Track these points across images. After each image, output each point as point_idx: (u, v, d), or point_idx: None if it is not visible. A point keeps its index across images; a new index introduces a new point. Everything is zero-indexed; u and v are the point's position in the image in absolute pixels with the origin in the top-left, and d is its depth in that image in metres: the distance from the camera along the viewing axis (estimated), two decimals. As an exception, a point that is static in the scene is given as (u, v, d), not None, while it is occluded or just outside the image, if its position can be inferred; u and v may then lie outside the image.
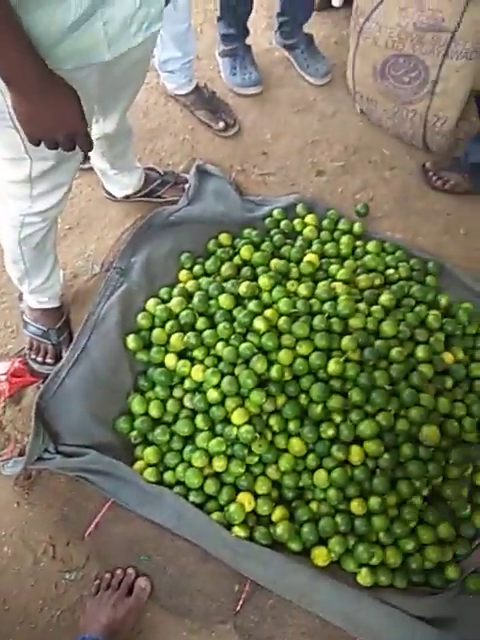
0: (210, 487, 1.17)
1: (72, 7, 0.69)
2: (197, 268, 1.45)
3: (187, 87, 1.74)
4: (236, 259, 1.47)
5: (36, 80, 0.70)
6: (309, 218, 1.60)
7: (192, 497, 1.17)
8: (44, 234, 1.12)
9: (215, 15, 1.87)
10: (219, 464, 1.17)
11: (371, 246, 1.56)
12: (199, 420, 1.21)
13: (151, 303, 1.36)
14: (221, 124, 1.76)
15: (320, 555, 1.13)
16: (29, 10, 0.67)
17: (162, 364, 1.29)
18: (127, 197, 1.56)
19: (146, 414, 1.25)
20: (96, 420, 1.22)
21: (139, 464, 1.22)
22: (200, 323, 1.32)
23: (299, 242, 1.54)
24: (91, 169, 1.52)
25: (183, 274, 1.45)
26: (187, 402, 1.25)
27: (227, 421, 1.20)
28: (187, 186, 1.59)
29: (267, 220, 1.59)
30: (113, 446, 1.23)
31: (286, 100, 1.90)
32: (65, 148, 0.78)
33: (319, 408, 1.19)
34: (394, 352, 1.26)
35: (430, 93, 1.63)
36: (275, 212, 1.60)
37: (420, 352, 1.30)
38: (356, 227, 1.60)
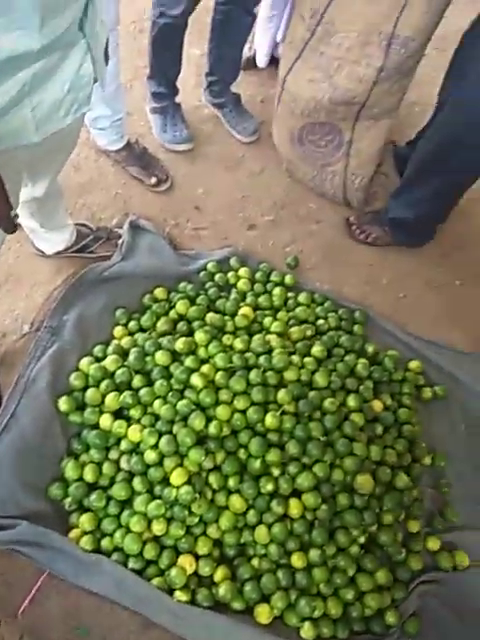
0: (150, 552, 1.14)
1: (0, 95, 0.69)
2: (132, 324, 1.45)
3: (118, 143, 1.77)
4: (172, 313, 1.49)
5: None
6: (242, 271, 1.65)
7: (131, 564, 1.14)
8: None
9: (145, 71, 1.93)
10: (158, 528, 1.15)
11: (302, 297, 1.63)
12: (137, 483, 1.18)
13: (85, 362, 1.34)
14: (153, 179, 1.79)
15: (263, 612, 1.12)
16: None
17: (97, 425, 1.26)
18: (58, 253, 1.54)
19: (80, 479, 1.21)
20: (27, 489, 1.17)
21: (74, 532, 1.17)
22: (136, 381, 1.30)
23: (234, 295, 1.58)
24: (18, 225, 1.49)
25: (118, 330, 1.44)
26: (124, 464, 1.22)
27: (166, 482, 1.19)
28: (120, 241, 1.60)
29: (202, 273, 1.62)
30: (46, 515, 1.18)
31: (216, 156, 1.97)
32: None
33: (258, 463, 1.20)
34: (327, 403, 1.31)
35: (346, 154, 1.76)
36: (209, 265, 1.63)
37: (351, 401, 1.36)
38: (287, 279, 1.67)
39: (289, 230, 1.85)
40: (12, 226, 0.81)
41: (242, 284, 1.61)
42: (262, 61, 2.12)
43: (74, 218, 1.60)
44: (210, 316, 1.46)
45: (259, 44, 2.04)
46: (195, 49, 2.13)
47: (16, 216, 1.23)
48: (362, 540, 1.23)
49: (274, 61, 2.02)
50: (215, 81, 1.98)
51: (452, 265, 1.89)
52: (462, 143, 1.48)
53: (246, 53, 2.12)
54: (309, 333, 1.51)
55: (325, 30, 1.50)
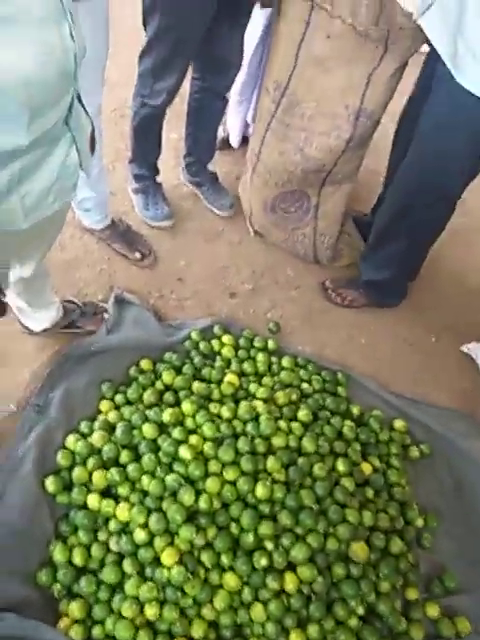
0: (143, 639, 1.09)
1: None
2: (119, 397, 1.45)
3: (103, 223, 1.84)
4: (158, 384, 1.50)
5: None
6: (226, 338, 1.69)
7: (124, 653, 1.09)
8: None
9: (126, 154, 2.04)
10: (151, 612, 1.11)
11: (285, 362, 1.66)
12: (127, 565, 1.15)
13: (71, 439, 1.33)
14: (137, 254, 1.86)
15: None
16: None
17: (84, 506, 1.24)
18: (45, 330, 1.56)
19: (69, 563, 1.17)
20: (14, 576, 1.13)
21: (64, 621, 1.12)
22: (124, 456, 1.30)
23: (218, 362, 1.61)
24: (6, 311, 1.51)
25: (104, 404, 1.44)
26: (113, 545, 1.19)
27: (157, 562, 1.16)
28: (106, 316, 1.63)
29: (186, 343, 1.65)
30: (34, 603, 1.13)
31: (196, 231, 2.06)
32: None
33: (251, 536, 1.19)
34: (317, 468, 1.31)
35: (314, 217, 1.87)
36: (193, 334, 1.67)
37: (340, 465, 1.36)
38: (270, 344, 1.71)
39: (269, 297, 1.92)
40: (2, 309, 0.84)
41: (226, 351, 1.65)
42: (235, 141, 2.27)
43: (60, 295, 1.64)
44: (196, 385, 1.47)
45: (232, 126, 2.20)
46: (173, 133, 2.26)
47: (3, 294, 1.26)
48: (361, 611, 1.20)
49: (246, 140, 2.16)
50: (192, 162, 2.10)
51: (426, 322, 1.96)
52: (414, 205, 1.58)
53: (220, 134, 2.27)
54: (294, 397, 1.53)
55: (289, 101, 1.59)
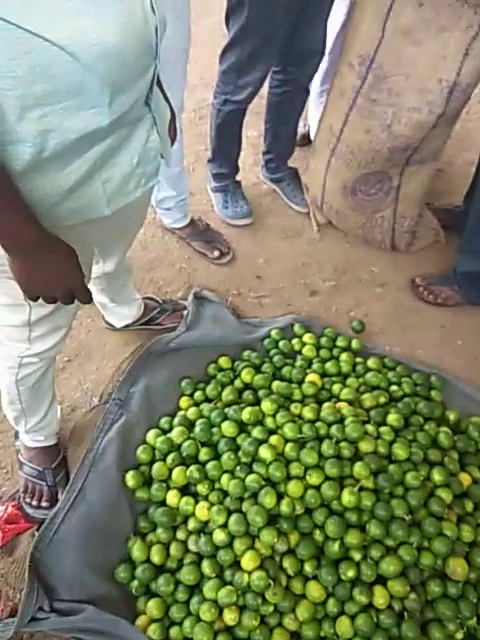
0: (221, 645, 1.04)
1: (72, 173, 0.71)
2: (198, 394, 1.43)
3: (183, 221, 1.84)
4: (237, 382, 1.46)
5: (32, 243, 0.71)
6: (307, 337, 1.61)
7: (203, 657, 1.04)
8: (42, 374, 1.11)
9: (205, 155, 2.04)
10: (230, 617, 1.06)
11: (371, 362, 1.56)
12: (205, 566, 1.11)
13: (151, 435, 1.32)
14: (216, 253, 1.84)
15: None
16: (28, 178, 0.69)
17: (164, 502, 1.22)
18: (127, 326, 1.58)
19: (148, 561, 1.15)
20: (94, 570, 1.12)
21: (142, 619, 1.10)
22: (203, 454, 1.26)
23: (299, 362, 1.54)
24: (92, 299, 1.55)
25: (184, 401, 1.42)
26: (192, 545, 1.16)
27: (237, 565, 1.10)
28: (185, 313, 1.62)
29: (266, 341, 1.60)
30: (113, 599, 1.12)
31: (276, 228, 2.01)
32: (64, 303, 0.79)
33: (336, 546, 1.10)
34: (409, 477, 1.20)
35: (394, 199, 1.76)
36: (273, 333, 1.62)
37: (436, 475, 1.23)
38: (354, 343, 1.61)
39: (352, 294, 1.82)
40: (89, 297, 0.83)
41: (307, 350, 1.57)
42: (317, 136, 2.20)
43: (142, 292, 1.65)
44: (276, 384, 1.41)
45: (313, 119, 2.13)
46: (252, 131, 2.24)
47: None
48: (460, 636, 1.08)
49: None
50: (272, 158, 2.06)
51: None
52: None
53: (301, 129, 2.21)
54: (383, 400, 1.42)
55: (375, 76, 1.51)
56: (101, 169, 0.75)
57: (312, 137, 2.21)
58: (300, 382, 1.46)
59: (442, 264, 1.87)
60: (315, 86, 1.98)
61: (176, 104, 1.39)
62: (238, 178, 2.03)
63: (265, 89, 1.84)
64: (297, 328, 1.64)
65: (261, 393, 1.40)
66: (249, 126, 2.11)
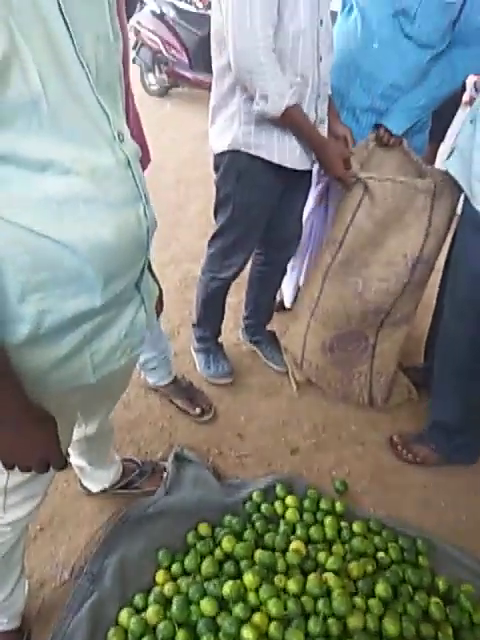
0: None
1: (63, 347, 0.77)
2: (175, 567, 1.35)
3: (167, 379, 1.91)
4: (217, 552, 1.39)
5: (14, 414, 0.73)
6: (289, 499, 1.58)
7: None
8: (13, 544, 1.06)
9: (190, 319, 2.19)
10: None
11: (357, 526, 1.51)
12: None
13: (124, 615, 1.21)
14: (197, 410, 1.88)
15: None
16: (21, 351, 0.73)
17: None
18: (104, 491, 1.54)
19: None
20: None
21: None
22: (180, 636, 1.16)
23: (282, 527, 1.49)
24: (68, 464, 1.53)
25: (160, 575, 1.33)
26: None
27: None
28: (165, 475, 1.60)
29: (247, 504, 1.56)
30: None
31: (256, 386, 2.08)
32: (38, 471, 0.79)
33: None
34: (403, 659, 1.11)
35: (371, 356, 1.86)
36: (254, 495, 1.58)
37: (431, 655, 1.14)
38: (338, 506, 1.58)
39: (333, 453, 1.83)
40: (64, 464, 0.84)
41: (290, 514, 1.53)
42: (289, 303, 2.41)
43: (122, 453, 1.64)
44: (259, 553, 1.35)
45: (286, 289, 2.34)
46: (233, 297, 2.43)
47: (67, 454, 1.27)
48: None
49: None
50: (252, 323, 2.21)
51: (513, 480, 1.77)
52: (461, 358, 1.55)
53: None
54: (370, 568, 1.36)
55: (345, 254, 1.70)
56: (91, 342, 0.82)
57: (286, 304, 2.41)
58: (284, 550, 1.40)
59: (418, 422, 1.92)
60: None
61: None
62: (220, 340, 2.15)
63: (248, 264, 2.05)
64: (279, 489, 1.62)
65: (243, 564, 1.33)
66: (231, 293, 2.29)
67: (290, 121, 1.45)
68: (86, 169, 0.68)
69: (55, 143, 0.65)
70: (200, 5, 5.17)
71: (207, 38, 1.45)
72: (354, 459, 1.82)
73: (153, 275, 1.01)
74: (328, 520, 1.52)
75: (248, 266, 2.06)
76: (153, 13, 4.52)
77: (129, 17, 1.37)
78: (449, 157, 1.53)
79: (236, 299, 2.41)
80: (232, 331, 2.35)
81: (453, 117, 3.04)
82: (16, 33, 0.58)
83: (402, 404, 2.03)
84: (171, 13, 4.55)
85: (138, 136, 1.37)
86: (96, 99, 0.69)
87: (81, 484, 1.55)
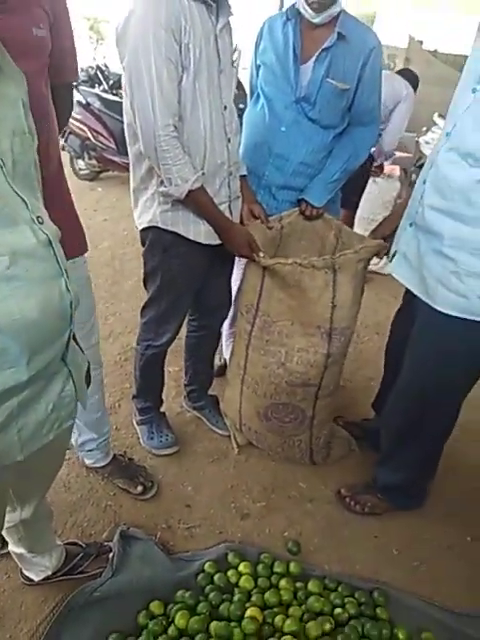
0: None
1: None
2: (127, 653, 1.27)
3: (104, 460, 1.86)
4: (171, 630, 1.32)
5: None
6: (242, 566, 1.54)
7: None
8: None
9: (130, 392, 2.17)
10: None
11: (312, 585, 1.49)
12: None
13: None
14: (139, 488, 1.82)
15: None
16: None
17: None
18: (47, 579, 1.44)
19: None
20: None
21: None
22: None
23: (237, 596, 1.44)
24: (8, 554, 1.44)
25: (112, 664, 1.25)
26: None
27: None
28: (111, 555, 1.52)
29: (199, 576, 1.51)
30: None
31: (202, 452, 2.06)
32: None
33: None
34: None
35: (309, 426, 1.89)
36: (206, 566, 1.53)
37: None
38: (292, 567, 1.56)
39: (284, 513, 1.82)
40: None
41: (244, 581, 1.49)
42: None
43: (64, 538, 1.56)
44: (214, 625, 1.30)
45: (227, 354, 2.39)
46: (172, 366, 2.45)
47: (5, 543, 1.20)
48: None
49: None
50: (194, 389, 2.23)
51: (459, 522, 1.82)
52: (416, 419, 1.62)
53: (217, 362, 2.45)
54: (328, 627, 1.33)
55: (263, 321, 1.75)
56: (17, 418, 0.82)
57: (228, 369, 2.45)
58: (240, 619, 1.35)
59: (362, 473, 1.95)
60: (225, 328, 2.29)
61: (94, 358, 1.55)
62: (162, 409, 2.14)
63: (183, 331, 2.10)
64: (232, 557, 1.58)
65: (198, 638, 1.27)
66: (170, 363, 2.32)
67: (194, 203, 1.56)
68: (7, 250, 0.74)
69: None
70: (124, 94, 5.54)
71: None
72: (305, 517, 1.81)
73: (80, 347, 1.03)
74: (283, 583, 1.49)
75: (184, 333, 2.11)
76: (79, 103, 4.78)
77: (69, 113, 1.46)
78: (391, 259, 1.60)
79: (176, 367, 2.43)
80: (174, 399, 2.34)
81: (364, 186, 3.37)
82: None
83: (346, 456, 2.06)
84: (96, 103, 4.83)
85: (74, 226, 1.41)
86: (10, 188, 0.76)
87: (22, 574, 1.45)
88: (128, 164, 1.69)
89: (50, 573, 1.44)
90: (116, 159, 4.78)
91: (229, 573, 1.53)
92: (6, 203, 0.75)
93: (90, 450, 1.82)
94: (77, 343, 0.99)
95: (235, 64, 1.76)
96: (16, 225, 0.77)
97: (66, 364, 0.91)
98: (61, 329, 0.86)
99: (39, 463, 0.98)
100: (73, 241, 1.35)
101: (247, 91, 2.08)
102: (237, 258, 1.91)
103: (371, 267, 1.83)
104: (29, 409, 0.84)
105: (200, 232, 1.64)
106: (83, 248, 1.45)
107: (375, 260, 1.78)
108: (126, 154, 1.67)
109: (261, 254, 1.68)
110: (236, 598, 1.43)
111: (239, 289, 1.91)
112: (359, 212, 3.45)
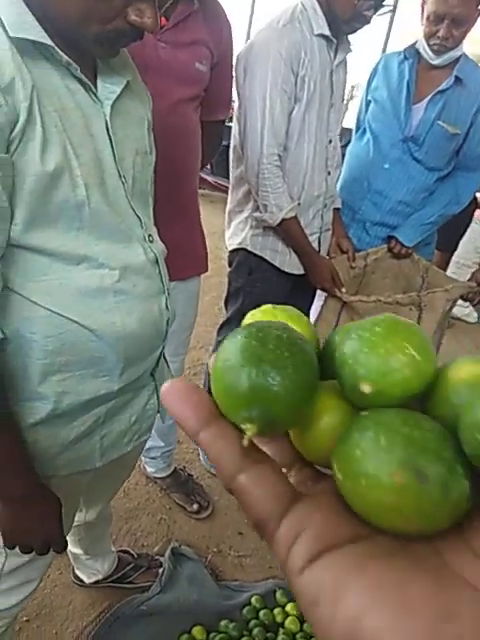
0: None
1: (76, 428, 0.80)
2: (166, 675, 1.25)
3: (165, 471, 1.87)
4: (211, 661, 1.29)
5: (24, 493, 0.74)
6: (290, 607, 1.49)
7: None
8: (0, 634, 1.00)
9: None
10: None
11: None
12: None
13: None
14: (195, 506, 1.82)
15: None
16: (36, 430, 0.75)
17: None
18: (96, 583, 1.46)
19: None
20: None
21: None
22: None
23: (281, 636, 1.39)
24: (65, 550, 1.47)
25: (149, 683, 1.24)
26: None
27: None
28: (161, 571, 1.52)
29: (245, 609, 1.47)
30: None
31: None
32: (39, 552, 0.79)
33: None
34: None
35: None
36: (253, 600, 1.49)
37: None
38: (341, 618, 1.48)
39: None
40: (65, 546, 0.83)
41: (290, 623, 1.44)
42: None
43: (117, 544, 1.58)
44: (256, 665, 1.26)
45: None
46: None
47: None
48: None
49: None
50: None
51: None
52: None
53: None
54: None
55: None
56: (102, 425, 0.84)
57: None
58: (282, 662, 1.30)
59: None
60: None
61: (176, 367, 1.59)
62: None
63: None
64: (279, 595, 1.53)
65: (238, 675, 1.24)
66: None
67: (285, 232, 1.58)
68: (119, 265, 0.76)
69: (91, 242, 0.73)
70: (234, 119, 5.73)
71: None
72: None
73: (167, 364, 1.05)
74: (331, 633, 1.42)
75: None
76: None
77: (216, 149, 1.53)
78: None
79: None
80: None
81: (464, 230, 3.25)
82: (68, 148, 0.67)
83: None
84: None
85: (201, 245, 1.52)
86: (130, 205, 0.79)
87: (74, 574, 1.48)
88: (219, 184, 1.73)
89: (100, 577, 1.46)
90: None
91: (276, 611, 1.48)
92: (123, 220, 0.78)
93: (154, 457, 1.84)
94: (166, 360, 1.01)
95: (346, 100, 1.78)
96: (130, 242, 0.79)
97: (154, 379, 0.93)
98: (155, 345, 0.87)
99: (113, 471, 1.00)
100: (198, 261, 1.48)
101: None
102: (318, 291, 1.90)
103: (456, 312, 1.76)
104: (114, 419, 0.86)
105: (285, 261, 1.66)
106: (205, 267, 1.54)
107: (462, 304, 1.70)
108: (218, 174, 1.72)
109: (343, 289, 1.65)
110: (280, 638, 1.38)
111: (314, 323, 1.89)
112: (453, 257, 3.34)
